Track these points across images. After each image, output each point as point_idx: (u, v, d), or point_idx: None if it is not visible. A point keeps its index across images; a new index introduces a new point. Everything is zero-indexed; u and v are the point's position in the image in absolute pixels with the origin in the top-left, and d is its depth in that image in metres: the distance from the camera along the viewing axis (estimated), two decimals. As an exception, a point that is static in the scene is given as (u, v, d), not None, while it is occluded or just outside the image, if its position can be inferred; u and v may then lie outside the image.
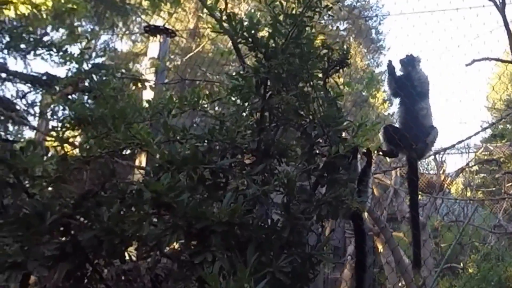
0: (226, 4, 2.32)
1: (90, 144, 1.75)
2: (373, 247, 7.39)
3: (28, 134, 6.67)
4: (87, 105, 2.52)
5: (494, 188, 10.51)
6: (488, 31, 3.72)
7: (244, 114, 2.14)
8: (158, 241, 1.84)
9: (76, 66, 3.14)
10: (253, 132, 2.09)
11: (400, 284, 6.70)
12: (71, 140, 2.49)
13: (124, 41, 10.34)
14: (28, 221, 1.70)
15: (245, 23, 1.92)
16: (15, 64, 6.01)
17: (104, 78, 2.58)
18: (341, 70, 2.34)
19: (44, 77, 5.53)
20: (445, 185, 8.47)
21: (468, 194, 9.91)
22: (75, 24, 5.61)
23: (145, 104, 2.22)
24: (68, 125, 2.31)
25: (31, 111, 5.62)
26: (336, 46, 2.26)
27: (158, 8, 5.76)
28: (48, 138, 3.43)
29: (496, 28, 3.64)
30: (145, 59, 5.63)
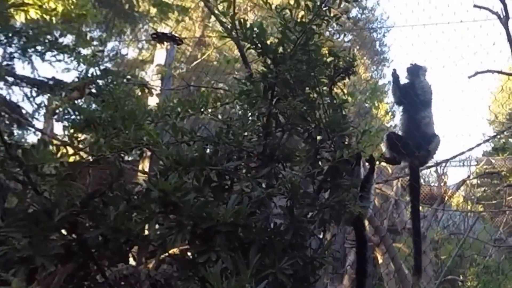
0: (234, 8, 2.37)
1: (100, 144, 1.79)
2: (373, 258, 7.38)
3: (31, 138, 6.71)
4: (96, 109, 2.57)
5: (495, 202, 10.51)
6: (491, 42, 3.77)
7: (250, 118, 2.19)
8: (163, 241, 1.87)
9: (85, 70, 3.19)
10: (259, 136, 2.12)
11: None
12: (78, 144, 2.53)
13: (130, 49, 10.44)
14: (36, 217, 1.73)
15: (255, 29, 1.97)
16: (22, 68, 6.09)
17: (113, 82, 2.62)
18: (347, 78, 2.39)
19: (51, 82, 5.59)
20: (446, 197, 8.47)
21: (469, 207, 9.91)
22: (84, 30, 5.69)
23: (153, 108, 2.26)
24: (76, 128, 2.35)
25: (37, 115, 5.69)
26: (342, 54, 2.31)
27: (165, 16, 5.84)
28: (55, 142, 3.47)
29: (500, 40, 3.69)
30: (151, 67, 5.70)
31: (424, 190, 8.84)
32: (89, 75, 4.00)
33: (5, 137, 1.76)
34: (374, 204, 5.49)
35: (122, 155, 1.99)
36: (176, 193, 1.67)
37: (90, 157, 2.03)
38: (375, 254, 7.29)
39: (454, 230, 8.75)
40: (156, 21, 6.46)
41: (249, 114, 2.17)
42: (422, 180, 9.45)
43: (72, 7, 4.46)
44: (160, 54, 5.22)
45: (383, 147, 3.17)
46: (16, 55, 4.67)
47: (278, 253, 1.92)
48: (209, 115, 2.17)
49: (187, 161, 1.83)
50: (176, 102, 2.10)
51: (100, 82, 2.84)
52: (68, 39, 4.78)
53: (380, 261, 7.06)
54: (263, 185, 2.03)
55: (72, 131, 2.27)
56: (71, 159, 2.21)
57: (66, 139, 2.90)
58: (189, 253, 2.03)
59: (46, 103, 5.29)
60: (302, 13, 1.98)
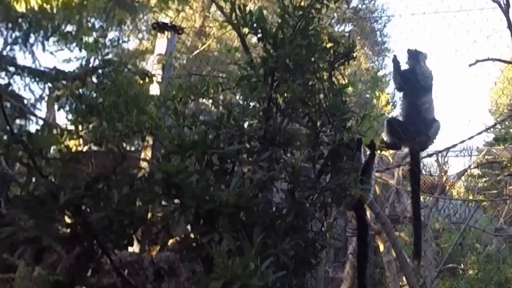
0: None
1: (103, 128, 1.81)
2: (374, 246, 7.43)
3: (33, 128, 6.74)
4: (98, 96, 2.59)
5: (496, 191, 10.54)
6: (492, 29, 3.77)
7: (251, 104, 2.21)
8: (167, 223, 1.90)
9: (87, 58, 3.20)
10: (259, 121, 2.15)
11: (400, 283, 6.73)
12: (82, 129, 2.55)
13: (131, 39, 10.44)
14: (42, 199, 1.77)
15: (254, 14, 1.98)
16: (24, 59, 6.11)
17: (115, 70, 2.64)
18: (346, 64, 2.40)
19: (52, 72, 5.60)
20: (447, 187, 8.50)
21: (470, 197, 9.94)
22: (84, 20, 5.68)
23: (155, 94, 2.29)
24: (79, 114, 2.37)
25: (38, 105, 5.70)
26: (342, 40, 2.33)
27: (166, 5, 5.84)
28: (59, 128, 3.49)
29: (500, 26, 3.69)
30: (152, 57, 5.71)
31: (426, 179, 8.87)
32: (91, 65, 4.02)
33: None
34: (374, 191, 5.53)
35: (125, 139, 2.02)
36: (179, 175, 1.70)
37: (92, 145, 2.06)
38: (376, 243, 7.34)
39: (455, 219, 8.80)
40: (156, 11, 6.46)
41: (249, 99, 2.19)
42: (423, 171, 9.48)
43: (73, -5, 4.46)
44: (161, 44, 5.23)
45: (384, 136, 3.19)
46: (18, 43, 4.68)
47: (280, 235, 1.95)
48: (210, 100, 2.19)
49: (189, 144, 1.85)
50: (178, 87, 2.12)
51: (101, 71, 2.85)
52: (69, 28, 4.78)
53: (382, 249, 7.11)
54: (265, 169, 2.05)
55: (75, 117, 2.29)
56: (74, 147, 2.24)
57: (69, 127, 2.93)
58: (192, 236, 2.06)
59: (48, 92, 5.31)
60: (302, -3, 1.99)
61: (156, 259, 3.68)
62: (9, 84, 4.88)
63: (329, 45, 2.30)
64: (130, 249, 3.38)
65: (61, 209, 1.81)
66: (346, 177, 2.08)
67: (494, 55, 3.91)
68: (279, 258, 1.88)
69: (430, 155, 4.89)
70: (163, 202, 1.78)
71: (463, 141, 4.69)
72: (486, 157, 9.87)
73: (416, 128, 2.95)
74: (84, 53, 2.36)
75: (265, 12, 2.58)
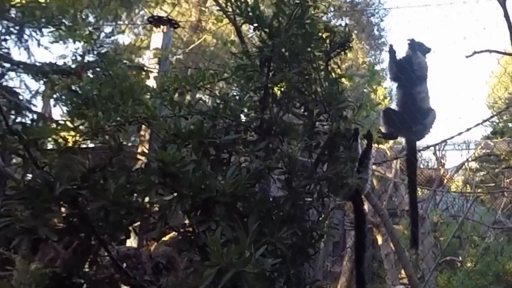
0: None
1: (99, 118, 1.80)
2: (372, 240, 7.45)
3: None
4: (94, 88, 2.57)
5: (493, 184, 10.56)
6: (490, 21, 3.76)
7: (247, 94, 2.20)
8: (164, 213, 1.89)
9: (82, 52, 3.18)
10: (256, 111, 2.14)
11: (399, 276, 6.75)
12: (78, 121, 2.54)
13: (126, 34, 10.40)
14: (37, 190, 1.76)
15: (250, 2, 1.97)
16: (19, 54, 6.07)
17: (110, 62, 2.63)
18: (343, 54, 2.40)
19: (47, 68, 5.57)
20: (445, 180, 8.52)
21: (468, 190, 9.96)
22: (78, 15, 5.65)
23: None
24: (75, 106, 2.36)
25: (34, 101, 5.68)
26: (338, 29, 2.32)
27: (161, -1, 5.81)
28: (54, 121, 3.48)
29: (496, 16, 3.68)
30: (147, 52, 5.69)
31: (423, 172, 8.89)
32: (86, 59, 4.01)
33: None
34: (372, 183, 5.54)
35: (121, 130, 2.01)
36: (175, 164, 1.69)
37: (88, 136, 2.05)
38: (374, 236, 7.36)
39: (453, 212, 8.82)
40: (152, 6, 6.43)
41: (246, 89, 2.18)
42: (421, 165, 9.50)
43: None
44: (157, 39, 5.21)
45: (381, 128, 3.19)
46: (12, 33, 4.64)
47: (277, 224, 1.95)
48: (206, 90, 2.18)
49: (185, 134, 1.84)
50: (174, 78, 2.11)
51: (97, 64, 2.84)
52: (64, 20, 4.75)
53: (380, 242, 7.13)
54: (261, 158, 2.05)
55: (71, 109, 2.28)
56: (71, 140, 2.22)
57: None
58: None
59: (43, 88, 5.28)
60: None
61: (154, 254, 3.67)
62: (3, 74, 4.85)
63: (325, 34, 2.29)
64: (128, 244, 3.38)
65: (57, 200, 1.81)
66: (343, 166, 2.08)
67: (491, 47, 3.90)
68: (276, 247, 1.87)
69: (428, 147, 4.88)
70: (160, 192, 1.77)
71: (460, 133, 4.70)
72: (483, 150, 9.88)
73: (412, 117, 2.96)
74: (79, 48, 2.34)
75: (261, 6, 2.57)
